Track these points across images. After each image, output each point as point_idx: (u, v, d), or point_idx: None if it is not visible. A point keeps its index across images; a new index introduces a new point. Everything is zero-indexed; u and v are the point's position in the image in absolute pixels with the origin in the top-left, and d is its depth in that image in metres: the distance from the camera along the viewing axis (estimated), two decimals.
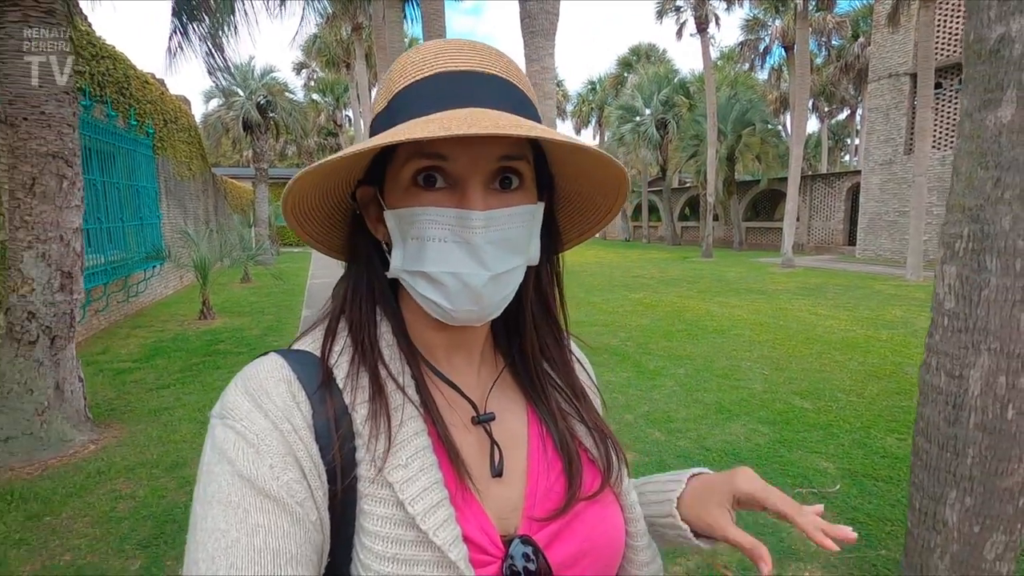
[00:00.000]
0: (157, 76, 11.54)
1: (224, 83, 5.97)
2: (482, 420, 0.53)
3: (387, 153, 0.49)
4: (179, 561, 2.49)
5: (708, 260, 17.56)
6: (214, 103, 19.45)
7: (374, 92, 0.48)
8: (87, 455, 3.61)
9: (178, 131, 12.42)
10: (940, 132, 14.89)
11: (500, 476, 0.51)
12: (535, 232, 0.52)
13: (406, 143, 0.45)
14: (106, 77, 8.14)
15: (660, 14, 18.46)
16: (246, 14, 4.86)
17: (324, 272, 16.11)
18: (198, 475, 0.43)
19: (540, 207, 0.52)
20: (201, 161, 15.02)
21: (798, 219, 20.48)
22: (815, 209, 20.53)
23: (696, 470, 0.64)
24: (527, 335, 0.58)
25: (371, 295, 0.54)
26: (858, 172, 18.39)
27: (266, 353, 0.50)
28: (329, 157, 0.43)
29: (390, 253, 0.51)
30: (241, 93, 17.35)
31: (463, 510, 0.47)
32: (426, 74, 0.47)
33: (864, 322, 7.72)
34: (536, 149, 0.52)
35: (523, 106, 0.48)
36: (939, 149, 14.91)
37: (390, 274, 0.51)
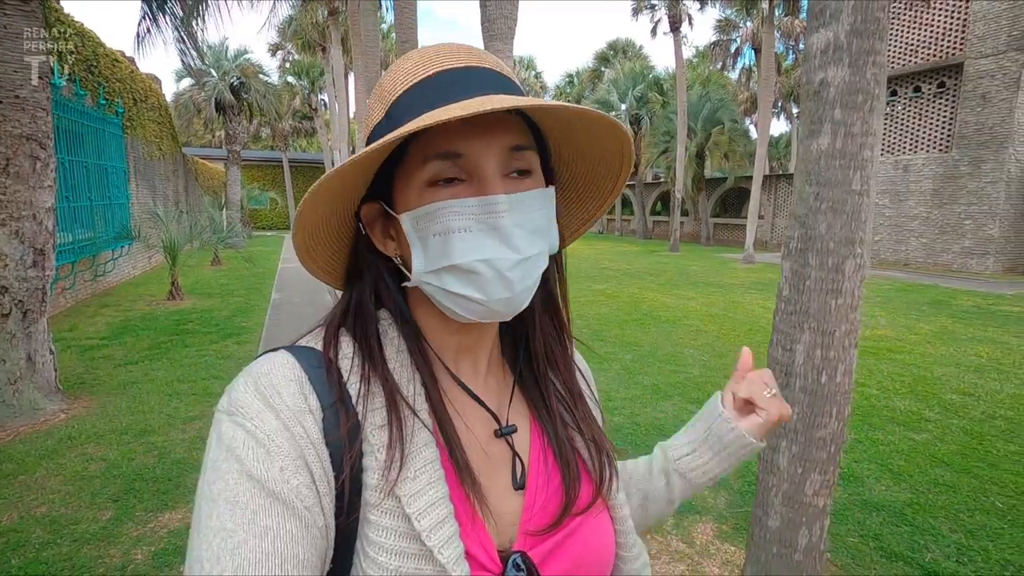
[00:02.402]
0: (127, 54, 11.43)
1: (196, 68, 6.05)
2: (505, 433, 0.53)
3: (394, 162, 0.49)
4: (149, 512, 2.76)
5: (675, 254, 18.10)
6: (186, 82, 19.17)
7: (370, 101, 0.52)
8: (57, 423, 3.82)
9: (148, 110, 12.32)
10: (892, 138, 15.60)
11: (523, 488, 0.52)
12: (553, 216, 0.52)
13: (421, 145, 0.46)
14: (74, 55, 8.12)
15: (635, 11, 18.84)
16: (219, 8, 5.00)
17: (294, 256, 16.15)
18: (202, 470, 0.42)
19: (552, 190, 0.52)
20: (171, 141, 14.89)
21: (762, 216, 21.20)
22: (779, 207, 21.27)
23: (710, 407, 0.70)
24: (536, 337, 0.57)
25: (379, 304, 0.53)
26: None
27: (274, 349, 0.49)
28: (341, 164, 0.44)
29: (404, 266, 0.51)
30: (214, 74, 17.15)
31: (466, 525, 0.47)
32: (423, 76, 0.47)
33: None
34: (538, 140, 0.53)
35: (519, 92, 0.50)
36: (891, 154, 15.63)
37: (411, 282, 0.50)
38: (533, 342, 0.57)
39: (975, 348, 6.34)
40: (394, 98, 0.48)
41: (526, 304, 0.49)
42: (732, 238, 23.62)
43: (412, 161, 0.47)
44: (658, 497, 0.70)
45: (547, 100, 0.44)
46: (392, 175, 0.49)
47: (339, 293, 0.58)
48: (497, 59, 0.52)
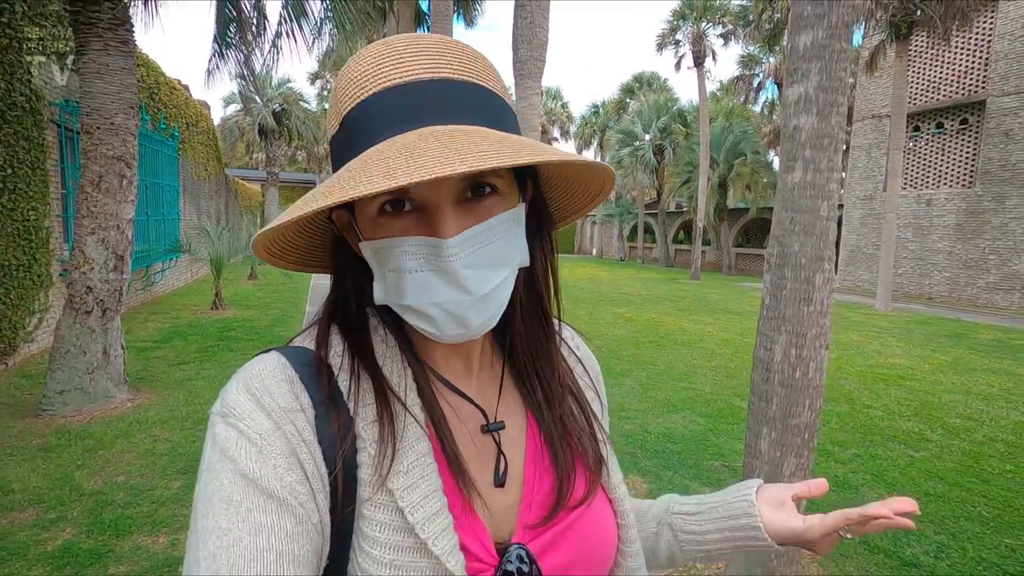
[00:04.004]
0: (183, 82, 12.37)
1: (249, 96, 6.68)
2: (492, 429, 0.53)
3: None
4: None
5: (695, 282, 18.28)
6: (232, 108, 20.35)
7: (329, 109, 0.51)
8: (126, 410, 4.29)
9: (198, 134, 13.23)
10: (915, 172, 15.71)
11: (502, 486, 0.52)
12: (519, 236, 0.50)
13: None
14: (140, 83, 8.93)
15: (660, 47, 19.48)
16: (281, 48, 5.62)
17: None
18: (199, 472, 0.43)
19: (521, 208, 0.50)
20: (216, 163, 15.84)
21: None
22: None
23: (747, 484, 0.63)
24: (517, 331, 0.57)
25: (363, 302, 0.53)
26: (842, 206, 19.20)
27: (267, 350, 0.49)
28: (272, 224, 0.43)
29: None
30: (259, 101, 18.23)
31: (460, 518, 0.47)
32: (371, 92, 0.44)
33: None
34: None
35: (482, 109, 0.45)
36: (915, 188, 15.72)
37: (376, 301, 0.49)
38: (515, 336, 0.57)
39: (987, 378, 6.45)
40: (344, 112, 0.46)
41: (490, 327, 0.48)
42: (754, 268, 23.66)
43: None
44: (643, 544, 0.66)
45: (503, 142, 0.40)
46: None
47: None
48: (464, 54, 0.47)
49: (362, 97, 0.45)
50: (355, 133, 0.45)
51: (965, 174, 14.65)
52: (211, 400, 4.48)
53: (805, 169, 2.05)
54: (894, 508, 0.52)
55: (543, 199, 0.56)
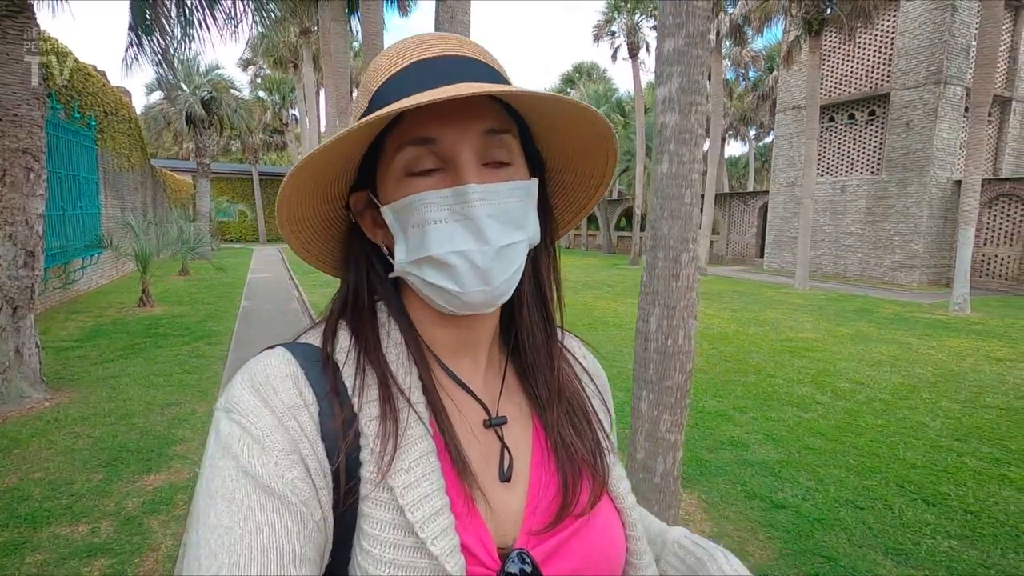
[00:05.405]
0: (98, 68, 11.70)
1: (170, 84, 6.49)
2: (494, 423, 0.53)
3: (376, 150, 0.50)
4: (135, 475, 3.20)
5: (634, 267, 18.95)
6: (156, 95, 19.33)
7: (356, 98, 0.54)
8: (43, 409, 4.19)
9: (118, 123, 12.57)
10: (831, 160, 16.87)
11: (508, 481, 0.51)
12: (532, 208, 0.51)
13: (396, 134, 0.47)
14: (50, 70, 8.43)
15: (596, 38, 19.90)
16: (198, 37, 5.50)
17: (264, 267, 16.39)
18: (201, 469, 0.43)
19: (534, 182, 0.52)
20: (140, 153, 15.08)
21: (718, 232, 22.34)
22: (733, 224, 22.44)
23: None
24: (524, 330, 0.57)
25: (373, 297, 0.54)
26: (767, 192, 20.36)
27: (272, 346, 0.50)
28: (317, 147, 0.44)
29: (392, 255, 0.51)
30: (185, 88, 17.41)
31: (463, 518, 0.47)
32: (401, 66, 0.48)
33: (741, 321, 9.03)
34: (521, 128, 0.53)
35: (498, 79, 0.50)
36: (831, 175, 16.88)
37: (395, 272, 0.51)
38: (521, 335, 0.57)
39: (880, 347, 7.16)
40: (375, 89, 0.49)
41: (507, 296, 0.50)
42: None
43: (388, 150, 0.48)
44: None
45: (518, 86, 0.45)
46: (375, 167, 0.51)
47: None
48: (481, 47, 0.52)
49: (391, 72, 0.49)
50: (388, 97, 0.47)
51: (873, 162, 15.86)
52: (135, 396, 4.43)
53: (671, 161, 2.33)
54: None
55: (549, 206, 0.58)
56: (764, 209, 20.71)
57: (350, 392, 0.47)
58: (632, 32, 19.07)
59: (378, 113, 0.42)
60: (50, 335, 6.72)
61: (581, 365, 0.64)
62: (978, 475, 3.49)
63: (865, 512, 3.01)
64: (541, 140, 0.56)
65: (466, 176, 0.46)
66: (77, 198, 9.26)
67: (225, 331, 7.33)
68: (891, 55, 15.09)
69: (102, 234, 9.76)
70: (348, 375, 0.48)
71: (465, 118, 0.46)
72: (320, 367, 0.48)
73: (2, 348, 4.11)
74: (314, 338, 0.52)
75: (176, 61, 5.65)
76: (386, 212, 0.49)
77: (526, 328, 0.57)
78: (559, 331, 0.61)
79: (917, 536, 2.78)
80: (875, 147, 15.80)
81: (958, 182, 13.60)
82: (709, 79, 20.57)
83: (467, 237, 0.47)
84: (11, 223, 4.08)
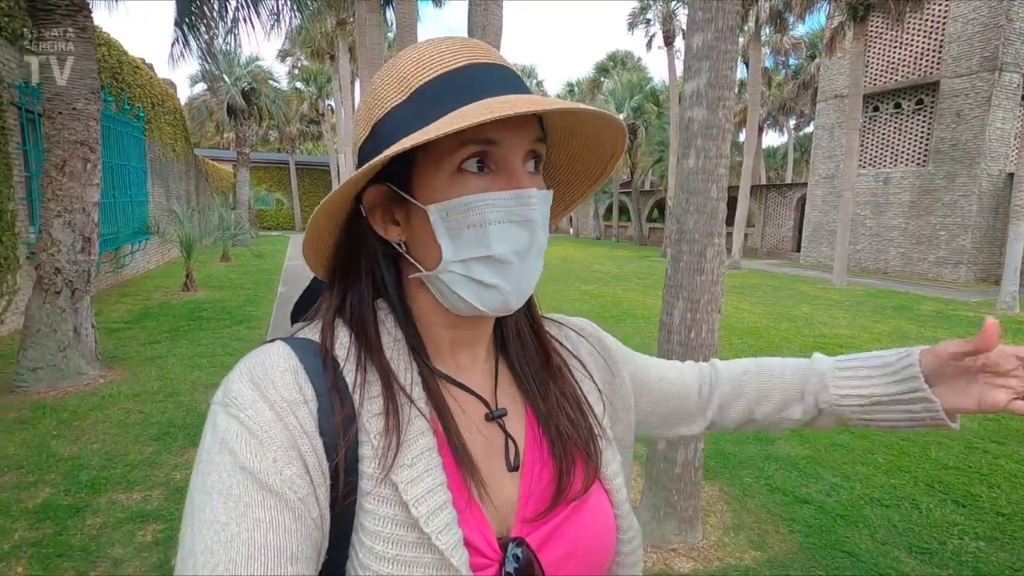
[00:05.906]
0: (147, 61, 12.18)
1: (214, 76, 6.73)
2: (496, 416, 0.54)
3: (416, 147, 0.47)
4: (183, 448, 3.42)
5: (665, 260, 18.72)
6: (199, 87, 19.98)
7: (381, 84, 0.51)
8: (98, 386, 4.48)
9: (164, 114, 13.06)
10: (874, 151, 16.26)
11: (516, 470, 0.53)
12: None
13: (459, 131, 0.45)
14: (102, 63, 8.84)
15: (631, 25, 19.60)
16: (240, 32, 5.69)
17: (299, 254, 16.75)
18: (197, 462, 0.43)
19: (551, 193, 0.53)
20: (185, 143, 15.64)
21: (753, 225, 21.84)
22: (768, 216, 21.91)
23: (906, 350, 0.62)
24: (509, 321, 0.59)
25: (374, 293, 0.53)
26: (805, 184, 19.78)
27: (271, 340, 0.50)
28: (377, 158, 0.45)
29: (408, 253, 0.51)
30: (227, 79, 17.93)
31: (464, 512, 0.47)
32: (453, 66, 0.48)
33: (774, 316, 8.88)
34: None
35: (525, 89, 0.52)
36: (874, 167, 16.29)
37: (435, 271, 0.50)
38: (507, 330, 0.59)
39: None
40: (417, 84, 0.48)
41: (529, 294, 0.52)
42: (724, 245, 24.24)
43: (446, 144, 0.47)
44: (781, 395, 0.70)
45: (583, 105, 0.47)
46: (411, 159, 0.49)
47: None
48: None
49: (440, 71, 0.48)
50: (429, 102, 0.47)
51: (920, 153, 15.24)
52: (181, 376, 4.70)
53: (698, 156, 2.35)
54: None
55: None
56: (802, 202, 20.15)
57: (351, 388, 0.47)
58: (668, 20, 18.71)
59: (479, 118, 0.41)
60: (102, 317, 7.10)
61: (567, 348, 0.64)
62: (1014, 478, 3.41)
63: (891, 510, 2.99)
64: (554, 146, 0.59)
65: (522, 180, 0.48)
66: (127, 186, 9.71)
67: (263, 316, 7.62)
68: (942, 41, 14.41)
69: (149, 221, 10.21)
70: (349, 372, 0.48)
71: (523, 124, 0.48)
72: (320, 362, 0.48)
73: (63, 328, 4.40)
74: (311, 334, 0.51)
75: (219, 54, 5.86)
76: (432, 211, 0.48)
77: (512, 322, 0.59)
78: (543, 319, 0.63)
79: (944, 536, 2.76)
80: (922, 138, 15.17)
81: (1011, 175, 12.97)
82: (747, 66, 20.05)
83: (524, 237, 0.48)
84: (70, 211, 4.34)
